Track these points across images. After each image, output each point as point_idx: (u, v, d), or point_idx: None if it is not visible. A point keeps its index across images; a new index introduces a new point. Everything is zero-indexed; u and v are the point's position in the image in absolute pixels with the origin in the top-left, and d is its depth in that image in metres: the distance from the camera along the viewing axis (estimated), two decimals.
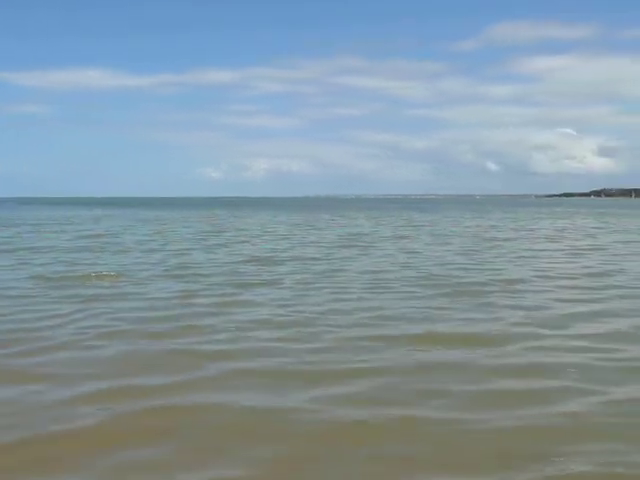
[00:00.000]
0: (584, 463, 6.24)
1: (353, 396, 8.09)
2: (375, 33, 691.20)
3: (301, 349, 10.25)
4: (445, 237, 37.02)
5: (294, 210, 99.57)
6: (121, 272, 19.30)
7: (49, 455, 6.44)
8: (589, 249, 28.85)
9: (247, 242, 31.95)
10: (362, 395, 8.14)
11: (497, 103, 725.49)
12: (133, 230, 42.90)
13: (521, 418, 7.34)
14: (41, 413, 7.48)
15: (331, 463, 6.37)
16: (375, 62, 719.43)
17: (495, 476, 6.04)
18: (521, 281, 18.04)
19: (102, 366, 9.38)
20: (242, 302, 14.42)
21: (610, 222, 60.37)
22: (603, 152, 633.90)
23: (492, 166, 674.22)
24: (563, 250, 28.33)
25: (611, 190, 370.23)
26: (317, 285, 16.95)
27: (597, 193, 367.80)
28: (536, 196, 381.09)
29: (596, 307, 14.02)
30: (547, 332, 11.49)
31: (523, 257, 24.95)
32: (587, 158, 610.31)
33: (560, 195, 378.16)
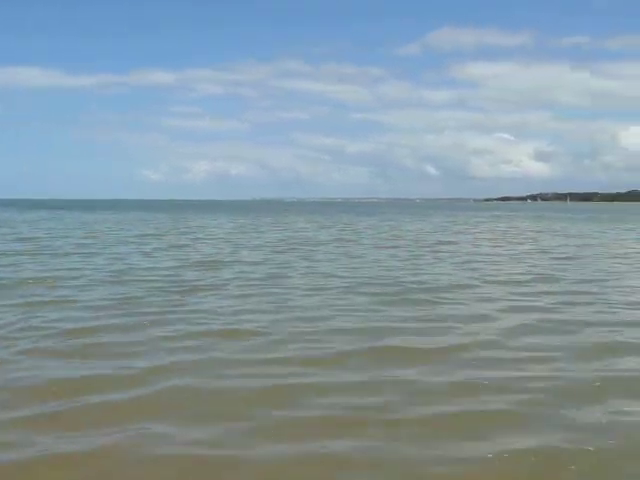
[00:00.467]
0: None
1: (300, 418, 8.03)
2: (317, 37, 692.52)
3: (241, 360, 10.13)
4: (387, 241, 37.23)
5: (237, 213, 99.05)
6: (58, 277, 18.83)
7: None
8: (532, 252, 29.33)
9: (188, 246, 31.59)
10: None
11: (437, 108, 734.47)
12: (72, 233, 41.99)
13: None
14: None
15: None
16: (317, 66, 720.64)
17: None
18: (466, 286, 18.14)
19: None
20: (182, 310, 14.14)
21: (549, 225, 61.58)
22: (539, 157, 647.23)
23: (432, 170, 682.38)
24: (505, 254, 28.70)
25: (547, 194, 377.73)
26: (259, 291, 16.80)
27: (534, 197, 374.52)
28: (475, 200, 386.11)
29: (544, 315, 14.18)
30: (494, 339, 11.61)
31: (466, 261, 25.18)
32: (524, 163, 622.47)
33: (498, 199, 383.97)
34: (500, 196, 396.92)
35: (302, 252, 28.31)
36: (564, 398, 8.23)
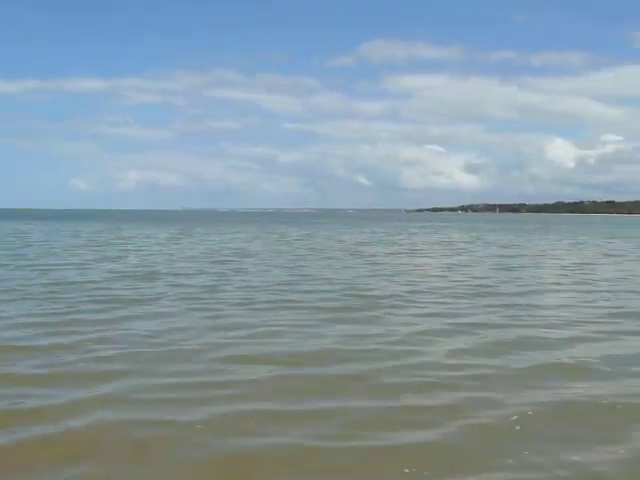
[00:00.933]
0: None
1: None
2: (249, 47, 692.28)
3: (165, 371, 9.86)
4: (321, 252, 37.18)
5: (169, 223, 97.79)
6: None
7: None
8: (464, 264, 29.64)
9: (120, 257, 30.90)
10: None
11: (370, 119, 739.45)
12: None
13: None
14: None
15: None
16: (249, 76, 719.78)
17: None
18: (398, 297, 18.17)
19: None
20: (110, 320, 13.75)
21: (481, 236, 62.55)
22: (469, 169, 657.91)
23: (364, 181, 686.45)
24: (439, 266, 28.97)
25: (477, 205, 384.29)
26: (194, 305, 16.49)
27: (464, 208, 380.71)
28: (406, 211, 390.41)
29: (478, 319, 14.27)
30: (422, 349, 11.58)
31: (401, 272, 25.30)
32: (455, 174, 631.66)
33: (430, 210, 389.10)
34: (431, 207, 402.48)
35: (236, 264, 28.01)
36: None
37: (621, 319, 14.99)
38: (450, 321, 14.47)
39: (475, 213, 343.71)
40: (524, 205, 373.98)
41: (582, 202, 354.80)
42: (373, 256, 34.38)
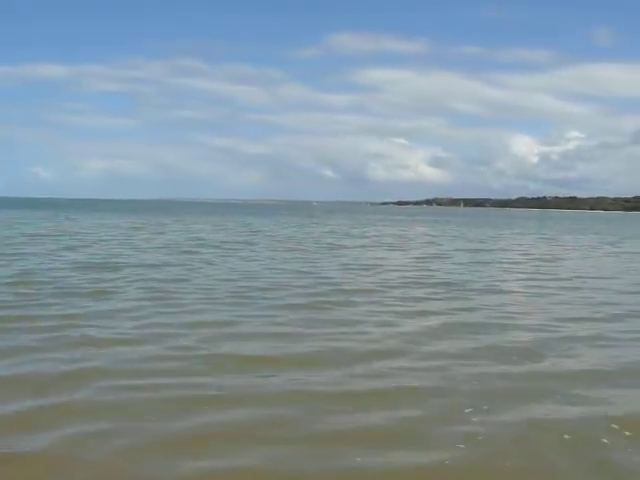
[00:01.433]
0: None
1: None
2: (215, 36, 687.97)
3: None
4: (287, 243, 36.85)
5: (132, 213, 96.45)
6: None
7: None
8: (433, 257, 29.54)
9: (84, 247, 30.18)
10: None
11: (335, 111, 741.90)
12: None
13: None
14: None
15: None
16: (215, 65, 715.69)
17: None
18: (368, 291, 17.90)
19: None
20: (68, 316, 13.24)
21: (448, 230, 62.80)
22: (434, 163, 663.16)
23: (329, 173, 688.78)
24: (407, 259, 28.82)
25: (442, 199, 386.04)
26: (156, 295, 16.06)
27: (429, 202, 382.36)
28: (371, 203, 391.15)
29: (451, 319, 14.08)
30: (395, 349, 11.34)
31: (369, 265, 25.11)
32: (419, 168, 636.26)
33: (395, 203, 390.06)
34: (396, 200, 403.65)
35: (201, 255, 27.55)
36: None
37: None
38: (419, 311, 14.31)
39: (440, 207, 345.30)
40: (488, 200, 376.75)
41: (545, 198, 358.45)
42: (339, 248, 34.17)
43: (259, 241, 38.67)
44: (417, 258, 29.01)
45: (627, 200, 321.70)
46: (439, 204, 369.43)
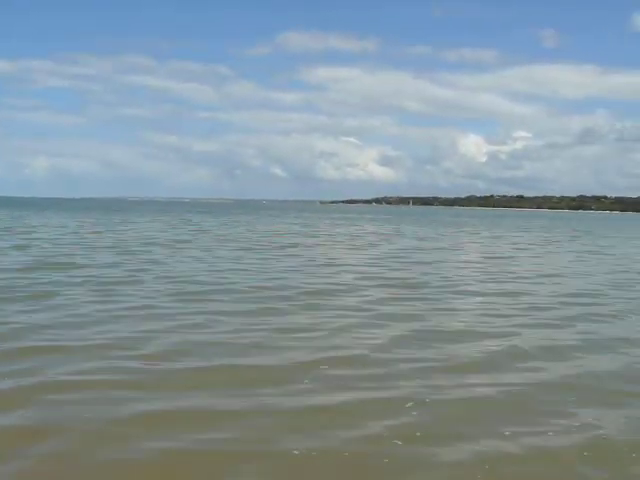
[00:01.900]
0: None
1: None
2: (164, 33, 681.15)
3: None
4: (238, 243, 36.50)
5: (81, 212, 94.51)
6: None
7: None
8: (387, 256, 29.51)
9: (30, 246, 29.38)
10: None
11: (285, 109, 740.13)
12: None
13: None
14: None
15: None
16: (163, 62, 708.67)
17: None
18: (324, 292, 17.62)
19: None
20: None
21: (398, 229, 63.10)
22: (384, 161, 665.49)
23: (278, 171, 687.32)
24: (359, 258, 28.78)
25: (391, 198, 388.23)
26: (105, 298, 15.70)
27: (378, 200, 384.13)
28: (321, 202, 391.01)
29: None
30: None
31: (325, 264, 24.99)
32: (369, 167, 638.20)
33: (344, 201, 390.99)
34: (346, 199, 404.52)
35: (150, 254, 27.07)
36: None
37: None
38: (367, 313, 14.27)
39: (389, 205, 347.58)
40: (437, 198, 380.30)
41: (493, 196, 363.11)
42: (290, 247, 33.99)
43: (208, 240, 38.25)
44: (371, 257, 28.99)
45: (572, 199, 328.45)
46: (388, 203, 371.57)
